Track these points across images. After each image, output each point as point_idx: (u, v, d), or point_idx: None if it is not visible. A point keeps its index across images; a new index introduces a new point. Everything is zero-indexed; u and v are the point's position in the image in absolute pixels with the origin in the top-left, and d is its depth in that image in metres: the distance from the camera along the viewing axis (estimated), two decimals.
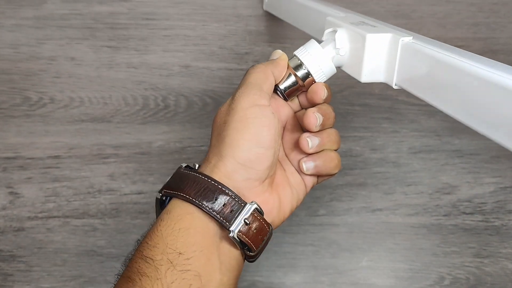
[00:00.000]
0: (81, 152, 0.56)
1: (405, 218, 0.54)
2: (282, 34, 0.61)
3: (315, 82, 0.35)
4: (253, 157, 0.31)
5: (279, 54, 0.36)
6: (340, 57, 0.35)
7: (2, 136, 0.57)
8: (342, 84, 0.59)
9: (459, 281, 0.51)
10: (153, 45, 0.61)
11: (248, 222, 0.30)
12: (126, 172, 0.56)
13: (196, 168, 0.33)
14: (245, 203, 0.30)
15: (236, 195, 0.30)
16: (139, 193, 0.55)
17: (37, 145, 0.56)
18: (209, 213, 0.29)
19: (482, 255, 0.52)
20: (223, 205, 0.30)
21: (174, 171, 0.33)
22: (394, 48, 0.31)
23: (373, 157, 0.56)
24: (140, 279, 0.27)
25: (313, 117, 0.33)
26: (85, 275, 0.52)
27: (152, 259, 0.28)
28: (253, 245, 0.30)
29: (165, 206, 0.32)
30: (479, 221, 0.54)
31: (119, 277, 0.29)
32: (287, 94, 0.35)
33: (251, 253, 0.31)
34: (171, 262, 0.28)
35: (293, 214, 0.54)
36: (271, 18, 0.61)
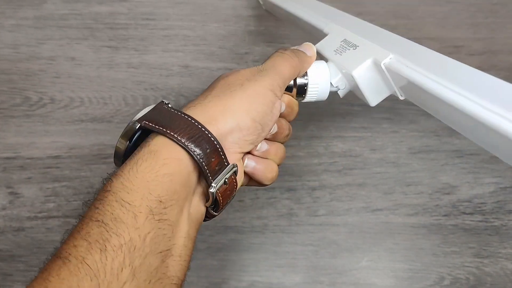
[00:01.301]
0: (81, 152, 0.56)
1: (405, 218, 0.54)
2: (282, 34, 0.61)
3: (304, 97, 0.36)
4: (253, 129, 0.31)
5: (312, 51, 0.36)
6: (342, 90, 0.36)
7: (2, 136, 0.57)
8: None
9: (459, 281, 0.51)
10: (153, 45, 0.61)
11: (227, 182, 0.30)
12: None
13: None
14: (229, 163, 0.30)
15: (223, 153, 0.29)
16: None
17: (37, 145, 0.56)
18: (198, 163, 0.28)
19: (482, 255, 0.52)
20: (212, 159, 0.28)
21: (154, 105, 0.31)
22: (381, 70, 0.32)
23: (373, 157, 0.56)
24: (115, 225, 0.24)
25: (286, 126, 0.35)
26: None
27: (130, 204, 0.25)
28: (221, 205, 0.30)
29: (134, 141, 0.30)
30: (479, 221, 0.53)
31: (82, 217, 0.26)
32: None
33: (215, 213, 0.31)
34: (151, 210, 0.25)
35: (293, 214, 0.54)
36: (271, 18, 0.61)
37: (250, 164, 0.34)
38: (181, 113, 0.29)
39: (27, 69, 0.59)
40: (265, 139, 0.34)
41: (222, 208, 0.31)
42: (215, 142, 0.29)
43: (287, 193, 0.55)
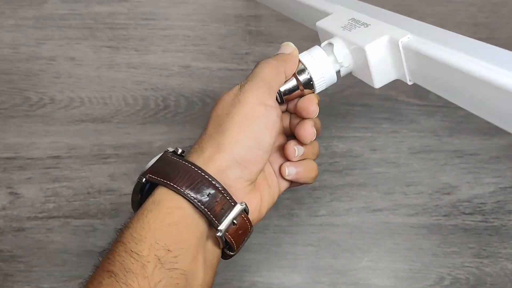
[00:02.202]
0: (81, 152, 0.56)
1: (405, 218, 0.54)
2: (282, 34, 0.61)
3: (315, 90, 0.35)
4: (251, 157, 0.30)
5: (290, 48, 0.34)
6: (345, 68, 0.35)
7: (2, 136, 0.57)
8: (342, 84, 0.59)
9: (459, 281, 0.51)
10: (153, 45, 0.61)
11: (235, 223, 0.29)
12: (126, 172, 0.55)
13: (182, 154, 0.31)
14: (235, 203, 0.29)
15: (228, 194, 0.29)
16: None
17: (37, 145, 0.56)
18: (200, 210, 0.28)
19: (482, 255, 0.52)
20: (215, 203, 0.28)
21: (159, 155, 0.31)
22: (396, 49, 0.31)
23: (373, 157, 0.56)
24: (125, 275, 0.25)
25: (311, 132, 0.33)
26: (85, 275, 0.52)
27: (138, 254, 0.26)
28: (235, 245, 0.30)
29: (146, 192, 0.30)
30: (479, 221, 0.54)
31: (96, 268, 0.27)
32: (286, 98, 0.34)
33: (231, 253, 0.30)
34: (159, 259, 0.26)
35: (293, 214, 0.54)
36: (271, 18, 0.61)
37: (291, 171, 0.34)
38: (181, 161, 0.29)
39: (27, 69, 0.59)
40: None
41: (238, 248, 0.31)
42: (216, 185, 0.29)
43: (287, 193, 0.55)
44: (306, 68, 0.34)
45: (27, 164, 0.56)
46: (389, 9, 0.62)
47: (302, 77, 0.34)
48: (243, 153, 0.30)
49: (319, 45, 0.35)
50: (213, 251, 0.30)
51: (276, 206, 0.54)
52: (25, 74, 0.59)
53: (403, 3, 0.63)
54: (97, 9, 0.62)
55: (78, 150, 0.56)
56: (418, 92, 0.58)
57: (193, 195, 0.28)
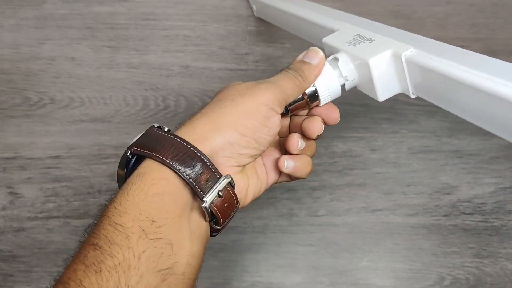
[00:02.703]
0: (81, 152, 0.56)
1: (405, 218, 0.54)
2: (282, 34, 0.61)
3: (319, 103, 0.35)
4: (245, 144, 0.31)
5: (318, 57, 0.35)
6: (350, 82, 0.35)
7: (2, 136, 0.57)
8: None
9: (459, 281, 0.52)
10: (153, 45, 0.61)
11: (221, 195, 0.29)
12: None
13: (170, 131, 0.32)
14: (221, 175, 0.30)
15: (213, 166, 0.29)
16: None
17: (37, 145, 0.56)
18: (185, 180, 0.28)
19: (482, 255, 0.52)
20: (200, 174, 0.29)
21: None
22: (399, 63, 0.31)
23: (373, 157, 0.56)
24: (109, 247, 0.25)
25: (320, 126, 0.35)
26: None
27: (122, 226, 0.26)
28: (221, 218, 0.30)
29: (131, 168, 0.30)
30: (479, 221, 0.54)
31: (82, 243, 0.27)
32: (290, 109, 0.35)
33: (217, 227, 0.31)
34: (143, 230, 0.26)
35: (293, 214, 0.54)
36: None
37: (289, 164, 0.35)
38: (167, 134, 0.30)
39: (27, 69, 0.59)
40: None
41: (224, 222, 0.31)
42: (202, 157, 0.29)
43: (287, 193, 0.55)
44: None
45: (27, 164, 0.56)
46: (390, 9, 0.62)
47: (308, 89, 0.35)
48: (236, 136, 0.30)
49: (325, 59, 0.36)
50: (199, 223, 0.30)
51: (275, 206, 0.54)
52: (25, 74, 0.59)
53: (403, 3, 0.63)
54: (97, 9, 0.62)
55: (78, 150, 0.56)
56: None
57: (178, 165, 0.28)
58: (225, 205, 0.30)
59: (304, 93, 0.35)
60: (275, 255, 0.53)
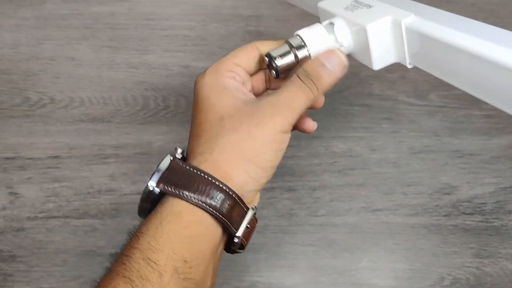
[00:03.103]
0: (81, 152, 0.56)
1: (405, 218, 0.54)
2: (282, 34, 0.61)
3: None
4: (265, 175, 0.31)
5: (342, 65, 0.32)
6: (345, 48, 0.34)
7: (2, 136, 0.57)
8: (342, 84, 0.59)
9: (459, 282, 0.51)
10: (153, 45, 0.61)
11: (248, 226, 0.30)
12: (126, 172, 0.56)
13: (183, 157, 0.31)
14: (248, 208, 0.30)
15: (242, 201, 0.30)
16: (139, 193, 0.55)
17: (37, 145, 0.56)
18: (221, 222, 0.29)
19: (482, 256, 0.52)
20: (232, 212, 0.29)
21: (168, 159, 0.31)
22: (398, 30, 0.30)
23: (373, 157, 0.56)
24: (141, 283, 0.26)
25: (313, 124, 0.36)
26: (85, 275, 0.52)
27: (156, 263, 0.26)
28: (246, 244, 0.31)
29: (160, 199, 0.30)
30: (479, 221, 0.54)
31: (110, 271, 0.27)
32: (280, 71, 0.33)
33: (241, 251, 0.32)
34: (176, 270, 0.27)
35: (293, 214, 0.54)
36: (271, 18, 0.61)
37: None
38: (197, 172, 0.29)
39: (27, 69, 0.59)
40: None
41: (247, 245, 0.32)
42: (233, 196, 0.29)
43: (287, 193, 0.55)
44: (305, 44, 0.33)
45: (27, 164, 0.56)
46: None
47: (301, 53, 0.33)
48: (260, 172, 0.31)
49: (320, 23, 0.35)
50: (220, 254, 0.31)
51: (275, 206, 0.54)
52: (25, 74, 0.59)
53: None
54: (97, 9, 0.62)
55: (78, 150, 0.56)
56: (418, 92, 0.58)
57: (213, 208, 0.29)
58: (249, 232, 0.31)
59: (297, 58, 0.33)
60: (275, 255, 0.52)
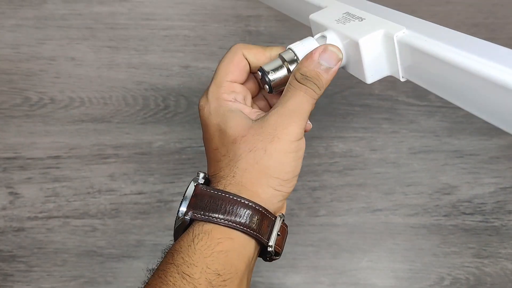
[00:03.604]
0: (81, 152, 0.56)
1: (405, 218, 0.54)
2: (282, 34, 0.61)
3: None
4: (290, 185, 0.32)
5: (338, 59, 0.32)
6: None
7: (2, 136, 0.57)
8: (342, 84, 0.59)
9: (459, 282, 0.51)
10: (153, 45, 0.61)
11: (279, 234, 0.31)
12: (126, 172, 0.56)
13: (207, 179, 0.32)
14: (275, 217, 0.31)
15: (269, 212, 0.31)
16: (139, 193, 0.55)
17: (37, 145, 0.56)
18: (253, 237, 0.30)
19: (482, 256, 0.52)
20: (262, 226, 0.30)
21: (192, 185, 0.31)
22: (390, 44, 0.30)
23: (373, 157, 0.56)
24: None
25: (308, 125, 0.36)
26: (85, 275, 0.52)
27: (190, 276, 0.28)
28: (281, 250, 0.32)
29: (191, 224, 0.31)
30: (479, 221, 0.54)
31: (146, 285, 0.29)
32: (273, 85, 0.34)
33: (276, 258, 0.32)
34: (210, 283, 0.28)
35: (293, 214, 0.54)
36: (271, 18, 0.62)
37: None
38: (223, 193, 0.30)
39: (27, 69, 0.59)
40: None
41: (282, 251, 0.33)
42: (260, 210, 0.30)
43: None
44: (298, 58, 0.33)
45: (27, 164, 0.56)
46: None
47: (293, 67, 0.33)
48: (283, 183, 0.31)
49: (312, 37, 0.35)
50: (253, 266, 0.32)
51: None
52: (26, 74, 0.59)
53: (403, 3, 0.63)
54: (97, 9, 0.62)
55: (78, 150, 0.56)
56: (417, 92, 0.58)
57: (241, 225, 0.30)
58: (281, 238, 0.32)
59: (290, 72, 0.33)
60: None
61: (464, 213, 0.54)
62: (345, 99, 0.58)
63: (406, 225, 0.53)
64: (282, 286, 0.51)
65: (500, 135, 0.57)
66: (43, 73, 0.59)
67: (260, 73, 0.34)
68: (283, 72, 0.33)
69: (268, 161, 0.31)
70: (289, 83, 0.32)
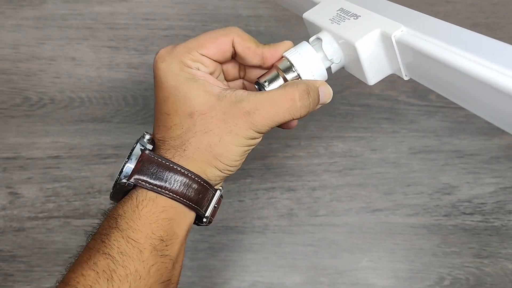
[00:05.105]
0: (81, 152, 0.56)
1: (405, 218, 0.54)
2: (282, 34, 0.61)
3: None
4: (235, 168, 0.33)
5: (330, 94, 0.33)
6: (336, 64, 0.33)
7: (2, 136, 0.57)
8: (342, 84, 0.59)
9: (459, 282, 0.51)
10: (153, 45, 0.61)
11: (216, 206, 0.33)
12: None
13: (150, 144, 0.32)
14: (215, 190, 0.33)
15: (212, 187, 0.32)
16: None
17: (37, 145, 0.56)
18: (192, 209, 0.31)
19: (482, 256, 0.52)
20: (204, 199, 0.32)
21: (139, 149, 0.31)
22: (389, 42, 0.29)
23: (373, 157, 0.56)
24: (121, 258, 0.28)
25: (294, 123, 0.37)
26: None
27: (135, 241, 0.29)
28: (212, 219, 0.34)
29: (134, 187, 0.31)
30: (479, 221, 0.54)
31: (89, 249, 0.29)
32: None
33: (207, 225, 0.34)
34: (154, 247, 0.29)
35: (293, 214, 0.54)
36: (271, 18, 0.61)
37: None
38: (172, 164, 0.31)
39: (27, 69, 0.59)
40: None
41: (212, 220, 0.35)
42: (206, 186, 0.32)
43: (287, 193, 0.55)
44: (293, 66, 0.33)
45: (27, 164, 0.56)
46: None
47: (290, 76, 0.32)
48: (229, 167, 0.32)
49: (307, 41, 0.34)
50: (188, 233, 0.33)
51: (275, 206, 0.54)
52: (25, 74, 0.59)
53: (403, 3, 0.62)
54: (97, 9, 0.62)
55: (78, 150, 0.56)
56: (418, 92, 0.58)
57: (186, 198, 0.31)
58: (216, 208, 0.34)
59: (285, 79, 0.32)
60: (275, 255, 0.53)
61: (464, 213, 0.54)
62: (345, 99, 0.58)
63: (406, 225, 0.53)
64: (281, 286, 0.51)
65: (500, 135, 0.57)
66: (42, 73, 0.59)
67: (256, 86, 0.34)
68: (279, 82, 0.33)
69: (220, 149, 0.31)
70: (289, 85, 0.32)
